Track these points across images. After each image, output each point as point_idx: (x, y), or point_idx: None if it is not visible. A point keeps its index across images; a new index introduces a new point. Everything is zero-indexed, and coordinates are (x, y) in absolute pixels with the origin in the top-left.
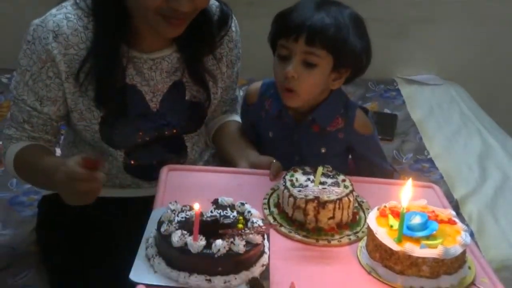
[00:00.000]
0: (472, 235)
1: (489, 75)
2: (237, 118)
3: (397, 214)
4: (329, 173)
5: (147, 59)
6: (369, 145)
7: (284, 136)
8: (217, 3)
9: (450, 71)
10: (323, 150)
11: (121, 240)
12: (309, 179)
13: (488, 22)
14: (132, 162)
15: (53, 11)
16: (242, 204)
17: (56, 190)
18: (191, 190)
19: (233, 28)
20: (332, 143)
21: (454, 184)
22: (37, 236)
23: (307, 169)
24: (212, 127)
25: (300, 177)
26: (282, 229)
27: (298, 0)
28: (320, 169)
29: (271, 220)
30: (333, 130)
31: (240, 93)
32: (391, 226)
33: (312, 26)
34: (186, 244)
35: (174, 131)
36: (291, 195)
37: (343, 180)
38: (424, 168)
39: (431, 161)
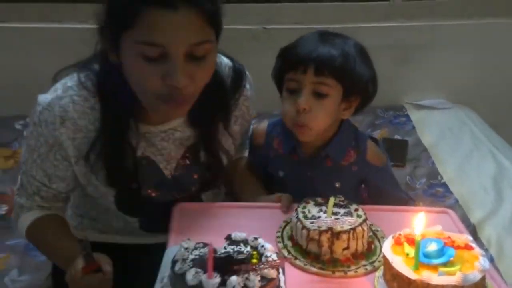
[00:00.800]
0: (492, 259)
1: (498, 95)
2: (245, 153)
3: (412, 241)
4: (341, 203)
5: (158, 132)
6: (383, 176)
7: (295, 174)
8: (230, 64)
9: (458, 94)
10: (337, 185)
11: (139, 283)
12: (321, 210)
13: (493, 44)
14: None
15: (59, 92)
16: (255, 238)
17: None
18: (203, 227)
19: (247, 86)
20: (346, 177)
21: (470, 208)
22: (53, 282)
23: (319, 200)
24: None
25: (312, 208)
26: (297, 262)
27: (300, 35)
28: (332, 200)
29: (286, 253)
30: (346, 164)
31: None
32: (407, 254)
33: (319, 56)
34: (201, 282)
35: (189, 192)
36: (304, 227)
37: (356, 210)
38: (438, 192)
39: (445, 185)
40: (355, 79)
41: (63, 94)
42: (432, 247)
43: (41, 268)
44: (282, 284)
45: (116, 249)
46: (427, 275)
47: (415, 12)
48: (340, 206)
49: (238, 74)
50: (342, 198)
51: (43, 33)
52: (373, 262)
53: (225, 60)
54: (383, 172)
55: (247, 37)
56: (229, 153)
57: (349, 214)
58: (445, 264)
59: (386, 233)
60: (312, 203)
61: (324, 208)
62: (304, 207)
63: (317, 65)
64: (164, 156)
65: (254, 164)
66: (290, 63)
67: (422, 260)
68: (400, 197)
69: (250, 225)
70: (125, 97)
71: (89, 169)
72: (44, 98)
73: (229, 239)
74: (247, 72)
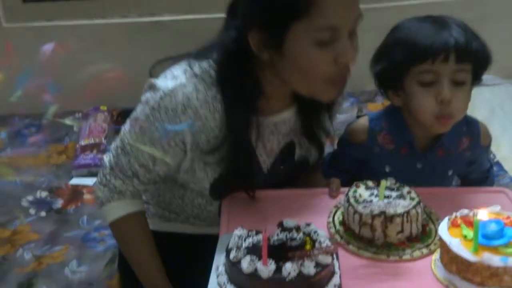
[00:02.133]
0: None
1: None
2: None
3: (470, 223)
4: (393, 186)
5: (270, 124)
6: (488, 153)
7: (404, 168)
8: None
9: (508, 69)
10: (450, 173)
11: (198, 272)
12: (372, 193)
13: None
14: None
15: (182, 80)
16: (308, 224)
17: None
18: (253, 215)
19: None
20: (460, 164)
21: None
22: (118, 265)
23: (370, 183)
24: None
25: (363, 192)
26: (350, 247)
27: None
28: (383, 183)
29: (338, 239)
30: (459, 150)
31: None
32: (465, 236)
33: (458, 42)
34: (256, 269)
35: (276, 187)
36: (356, 211)
37: (409, 192)
38: None
39: (498, 164)
40: (487, 59)
41: (187, 81)
42: (492, 228)
43: (99, 258)
44: (336, 269)
45: (179, 238)
46: (487, 257)
47: None
48: (392, 189)
49: None
50: (394, 181)
51: (88, 30)
52: (429, 245)
53: None
54: (488, 149)
55: None
56: (323, 151)
57: (401, 197)
58: (506, 245)
59: (440, 215)
60: (362, 187)
61: (375, 191)
62: (355, 191)
63: (458, 52)
64: (267, 150)
65: (347, 159)
66: (425, 54)
67: (481, 242)
68: (487, 166)
69: (300, 211)
70: (249, 89)
71: (204, 158)
72: (165, 83)
73: (281, 226)
74: None
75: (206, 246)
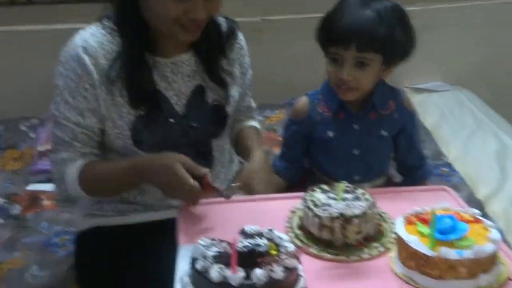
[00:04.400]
0: (500, 233)
1: (495, 77)
2: (254, 123)
3: (424, 220)
4: (348, 189)
5: (168, 62)
6: (415, 123)
7: (344, 131)
8: (223, 19)
9: (455, 77)
10: (385, 134)
11: (159, 266)
12: (329, 197)
13: (488, 25)
14: None
15: (80, 31)
16: (270, 230)
17: (143, 184)
18: (209, 224)
19: (241, 38)
20: (390, 125)
21: (476, 185)
22: (77, 274)
23: (325, 187)
24: (232, 135)
25: (320, 196)
26: (311, 250)
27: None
28: (340, 186)
29: (298, 243)
30: (388, 113)
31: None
32: (422, 233)
33: (362, 33)
34: (225, 277)
35: (200, 134)
36: (315, 214)
37: (363, 194)
38: (444, 172)
39: (449, 165)
40: (397, 49)
41: (83, 31)
42: (446, 223)
43: (61, 263)
44: (301, 272)
45: (135, 231)
46: (444, 251)
47: None
48: (348, 192)
49: (231, 25)
50: (348, 184)
51: (46, 35)
52: (385, 244)
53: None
54: (415, 118)
55: (248, 28)
56: (235, 99)
57: (357, 198)
58: (460, 239)
59: (389, 214)
60: (318, 191)
61: (331, 195)
62: (312, 195)
63: (359, 42)
64: (175, 91)
65: (295, 138)
66: (331, 38)
67: (437, 237)
68: (421, 152)
69: (256, 217)
70: (140, 29)
71: (110, 96)
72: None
73: (244, 233)
74: (241, 32)
75: (159, 234)
